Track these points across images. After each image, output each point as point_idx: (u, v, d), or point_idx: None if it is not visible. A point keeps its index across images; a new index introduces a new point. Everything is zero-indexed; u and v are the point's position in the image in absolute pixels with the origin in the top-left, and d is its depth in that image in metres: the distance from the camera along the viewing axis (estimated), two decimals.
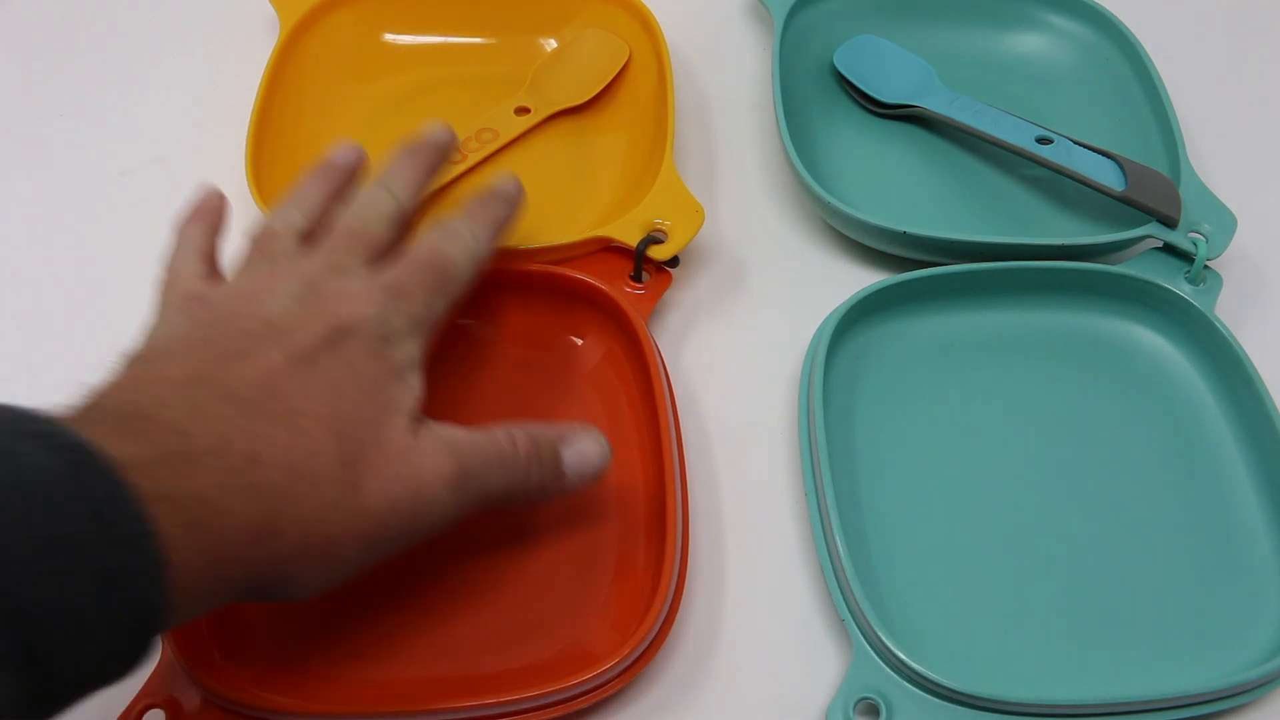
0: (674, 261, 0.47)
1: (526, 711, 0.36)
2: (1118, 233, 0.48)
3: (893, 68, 0.56)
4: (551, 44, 0.58)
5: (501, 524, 0.42)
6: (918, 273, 0.47)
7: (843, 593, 0.39)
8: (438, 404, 0.45)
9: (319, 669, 0.38)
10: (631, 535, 0.41)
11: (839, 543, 0.39)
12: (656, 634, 0.38)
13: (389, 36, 0.57)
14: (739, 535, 0.43)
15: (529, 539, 0.42)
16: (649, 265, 0.47)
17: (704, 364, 0.48)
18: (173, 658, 0.37)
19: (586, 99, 0.55)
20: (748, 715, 0.39)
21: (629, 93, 0.55)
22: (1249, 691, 0.38)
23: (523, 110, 0.54)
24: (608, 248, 0.47)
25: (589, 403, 0.45)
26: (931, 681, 0.37)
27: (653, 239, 0.46)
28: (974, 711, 0.37)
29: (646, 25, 0.55)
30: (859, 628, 0.39)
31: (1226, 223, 0.49)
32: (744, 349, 0.48)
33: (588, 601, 0.40)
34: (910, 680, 0.37)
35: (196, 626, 0.38)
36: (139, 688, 0.37)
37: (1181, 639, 0.40)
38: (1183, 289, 0.47)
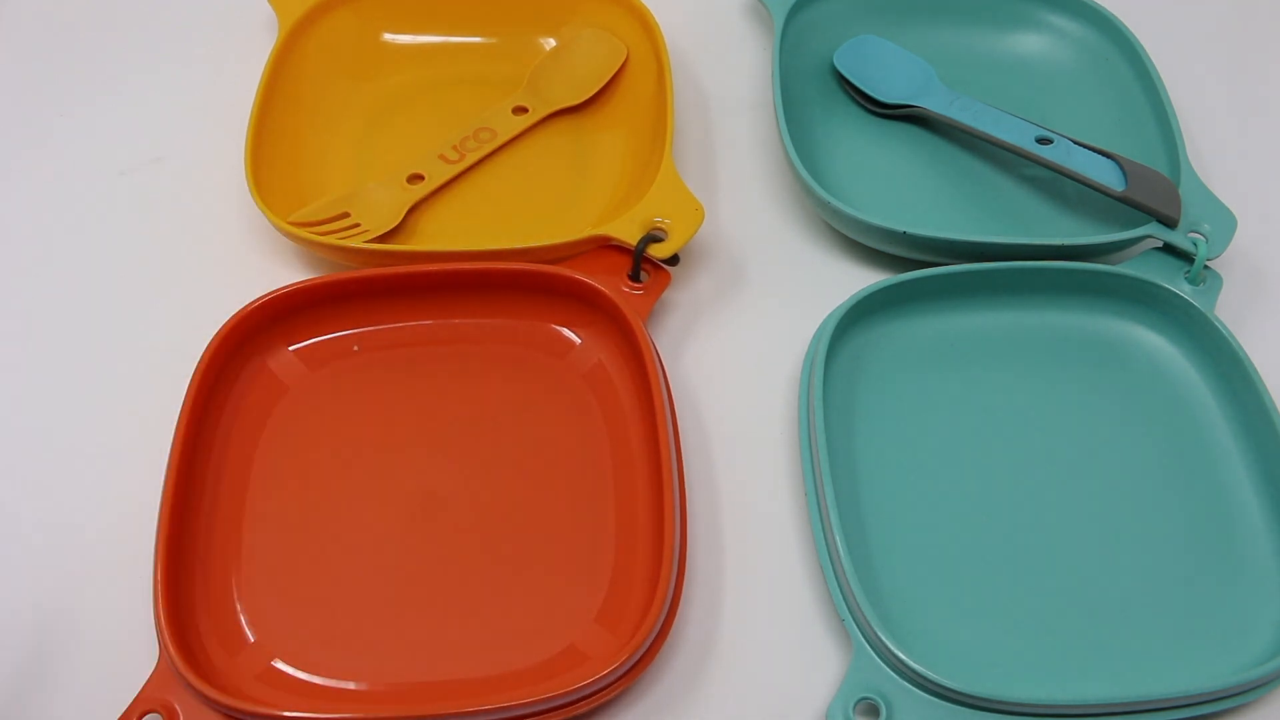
0: (674, 260, 0.47)
1: (525, 716, 0.36)
2: (1118, 233, 0.48)
3: (893, 68, 0.56)
4: (550, 43, 0.58)
5: (498, 526, 0.42)
6: (918, 273, 0.47)
7: (843, 593, 0.39)
8: (435, 407, 0.45)
9: (316, 674, 0.38)
10: (629, 536, 0.41)
11: (839, 543, 0.39)
12: (655, 636, 0.38)
13: (388, 36, 0.57)
14: (738, 535, 0.43)
15: (525, 542, 0.41)
16: (648, 265, 0.47)
17: (703, 364, 0.48)
18: (170, 662, 0.37)
19: (585, 98, 0.55)
20: (748, 716, 0.39)
21: (628, 92, 0.55)
22: (1249, 691, 0.38)
23: (521, 109, 0.54)
24: (606, 246, 0.47)
25: (586, 403, 0.45)
26: (931, 681, 0.37)
27: (652, 237, 0.46)
28: (974, 711, 0.37)
29: (645, 25, 0.55)
30: (859, 628, 0.38)
31: (1226, 223, 0.49)
32: (743, 349, 0.48)
33: (585, 604, 0.40)
34: (910, 680, 0.37)
35: (194, 630, 0.38)
36: (136, 692, 0.36)
37: (1181, 639, 0.40)
38: (1183, 289, 0.47)
